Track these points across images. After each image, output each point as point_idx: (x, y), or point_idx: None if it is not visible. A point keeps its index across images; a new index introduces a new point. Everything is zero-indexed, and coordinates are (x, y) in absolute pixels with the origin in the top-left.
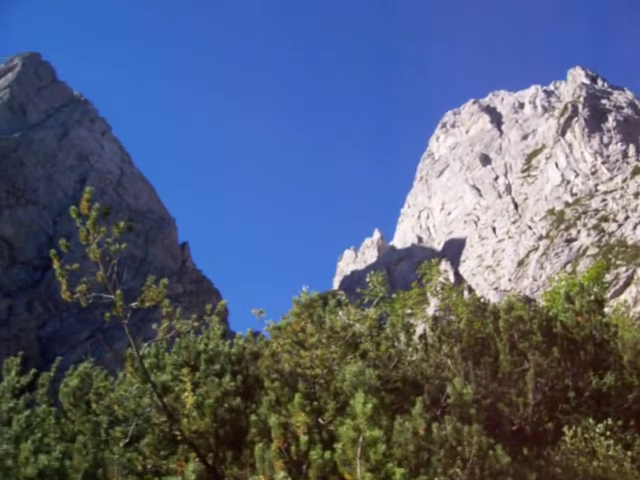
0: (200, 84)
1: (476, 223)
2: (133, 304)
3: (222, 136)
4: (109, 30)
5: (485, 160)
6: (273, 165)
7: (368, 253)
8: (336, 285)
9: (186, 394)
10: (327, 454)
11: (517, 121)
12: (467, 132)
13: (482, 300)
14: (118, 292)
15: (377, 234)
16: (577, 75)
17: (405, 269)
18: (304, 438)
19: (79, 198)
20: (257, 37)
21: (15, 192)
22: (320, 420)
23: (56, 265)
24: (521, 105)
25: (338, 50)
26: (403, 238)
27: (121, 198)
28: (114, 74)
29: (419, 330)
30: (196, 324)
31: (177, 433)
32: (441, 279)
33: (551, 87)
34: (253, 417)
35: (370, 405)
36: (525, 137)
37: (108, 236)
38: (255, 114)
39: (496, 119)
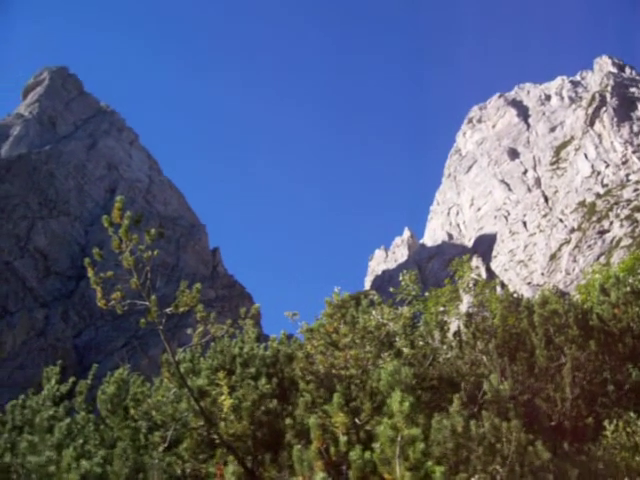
0: (226, 84)
1: (506, 218)
2: (167, 310)
3: (250, 138)
4: (133, 38)
5: (513, 154)
6: (301, 168)
7: (399, 252)
8: (368, 285)
9: (223, 397)
10: (367, 454)
11: (544, 113)
12: (494, 127)
13: (515, 295)
14: (152, 298)
15: (407, 232)
16: (604, 64)
17: (436, 267)
18: (343, 438)
19: (109, 208)
20: (290, 35)
21: (47, 204)
22: (357, 420)
23: (90, 273)
24: (547, 97)
25: (365, 50)
26: (433, 236)
27: (151, 206)
28: (140, 83)
29: (453, 327)
30: (231, 329)
31: (215, 437)
32: (473, 275)
33: (577, 77)
34: (289, 419)
35: (407, 403)
36: (553, 129)
37: (140, 243)
38: (282, 116)
39: (523, 112)
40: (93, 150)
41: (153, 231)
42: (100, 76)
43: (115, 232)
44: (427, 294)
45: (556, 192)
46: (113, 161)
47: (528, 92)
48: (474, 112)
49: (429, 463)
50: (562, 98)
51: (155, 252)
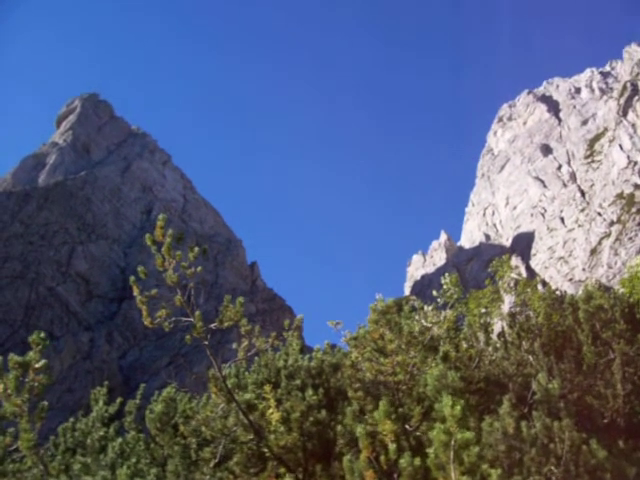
0: (253, 87)
1: (543, 215)
2: (212, 325)
3: (282, 145)
4: (157, 60)
5: (546, 150)
6: (334, 177)
7: (436, 256)
8: (407, 291)
9: (271, 410)
10: (417, 460)
11: (575, 107)
12: (525, 124)
13: (558, 292)
14: (197, 313)
15: (444, 236)
16: (634, 52)
17: (475, 268)
18: (392, 446)
19: (147, 229)
20: (325, 33)
21: (85, 229)
22: (407, 426)
23: (136, 292)
24: (577, 90)
25: (391, 58)
26: (470, 237)
27: (187, 225)
28: (168, 104)
29: (496, 328)
30: (277, 342)
31: (265, 450)
32: (513, 275)
33: (607, 68)
34: (339, 428)
35: (459, 407)
36: (585, 122)
37: (182, 261)
38: (312, 123)
39: (553, 107)
40: (127, 173)
41: (197, 249)
42: (129, 100)
43: (158, 250)
44: (468, 296)
45: (592, 186)
46: (147, 183)
47: (557, 86)
48: (504, 110)
49: (485, 466)
50: (592, 90)
51: (199, 268)
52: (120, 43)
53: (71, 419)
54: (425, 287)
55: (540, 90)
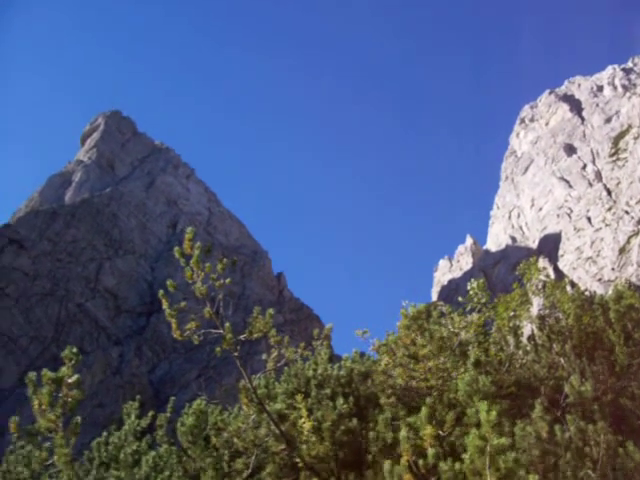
0: (273, 89)
1: (569, 215)
2: (242, 336)
3: (302, 151)
4: (176, 74)
5: (570, 150)
6: (358, 184)
7: (463, 260)
8: (435, 296)
9: (303, 420)
10: (456, 465)
11: (598, 105)
12: (547, 124)
13: (587, 293)
14: (227, 325)
15: (469, 240)
16: None
17: (502, 271)
18: (432, 451)
19: (173, 243)
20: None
21: (112, 244)
22: (440, 432)
23: (165, 305)
24: (600, 88)
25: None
26: (496, 240)
27: (212, 237)
28: (189, 119)
29: (526, 331)
30: (306, 352)
31: (297, 460)
32: (541, 277)
33: (629, 64)
34: (372, 434)
35: (494, 412)
36: (608, 120)
37: (210, 273)
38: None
39: (575, 106)
40: (152, 188)
41: (225, 260)
42: (151, 115)
43: (187, 263)
44: (496, 300)
45: (619, 184)
46: (172, 197)
47: (579, 85)
48: (525, 112)
49: (521, 472)
50: (615, 87)
51: (228, 280)
52: (140, 59)
53: (104, 433)
54: (452, 292)
55: (562, 89)
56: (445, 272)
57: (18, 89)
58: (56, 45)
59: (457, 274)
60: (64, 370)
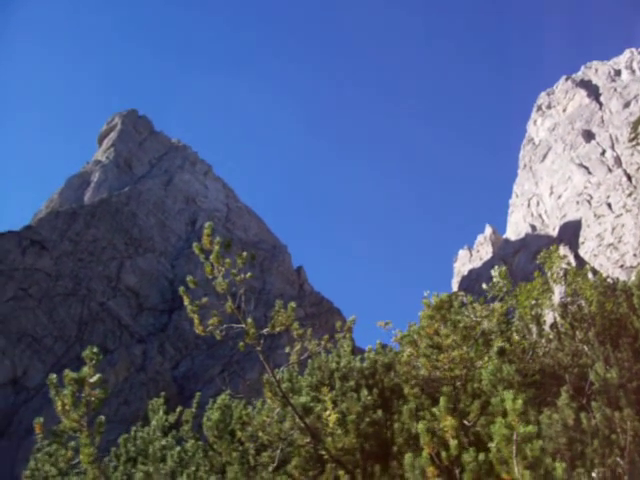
0: (292, 90)
1: (589, 202)
2: (264, 330)
3: (317, 144)
4: (190, 72)
5: (588, 136)
6: (376, 175)
7: (482, 250)
8: (455, 287)
9: (328, 412)
10: (480, 456)
11: (616, 90)
12: (564, 110)
13: (609, 280)
14: (250, 320)
15: (489, 229)
16: None
17: (523, 260)
18: (454, 442)
19: (192, 240)
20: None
21: (132, 243)
22: (465, 422)
23: (186, 301)
24: (617, 72)
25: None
26: (516, 229)
27: (231, 233)
28: (204, 116)
29: (548, 319)
30: (329, 345)
31: (323, 452)
32: (563, 265)
33: None
34: (397, 425)
35: (520, 401)
36: (627, 105)
37: (230, 268)
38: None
39: (593, 92)
40: (170, 186)
41: (245, 254)
42: (167, 113)
43: (206, 259)
44: (518, 289)
45: (639, 169)
46: (190, 194)
47: (596, 70)
48: (542, 98)
49: (548, 460)
50: (633, 71)
51: (249, 274)
52: (155, 57)
53: (132, 429)
54: (473, 282)
55: (578, 75)
56: (465, 262)
57: (35, 91)
58: (72, 47)
59: (477, 264)
60: (85, 370)
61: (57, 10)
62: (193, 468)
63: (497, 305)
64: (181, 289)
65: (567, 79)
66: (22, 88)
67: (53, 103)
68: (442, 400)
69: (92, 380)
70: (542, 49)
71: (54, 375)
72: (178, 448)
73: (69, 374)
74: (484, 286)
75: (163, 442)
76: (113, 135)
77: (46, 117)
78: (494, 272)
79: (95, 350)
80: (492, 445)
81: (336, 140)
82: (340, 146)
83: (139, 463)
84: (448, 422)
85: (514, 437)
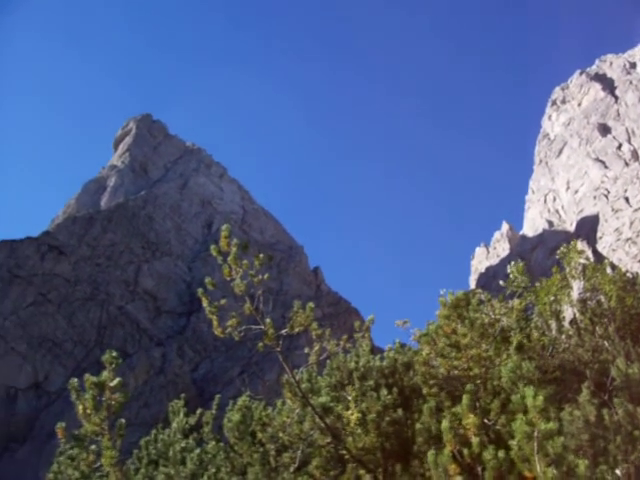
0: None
1: (606, 196)
2: (283, 331)
3: (333, 143)
4: (202, 75)
5: (604, 130)
6: (391, 173)
7: (499, 247)
8: (473, 284)
9: (351, 411)
10: (501, 453)
11: (631, 82)
12: (579, 105)
13: (629, 274)
14: (268, 321)
15: (505, 226)
16: None
17: (540, 256)
18: (476, 440)
19: (209, 242)
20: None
21: (149, 247)
22: (486, 420)
23: (205, 303)
24: (632, 65)
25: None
26: (533, 225)
27: (248, 235)
28: (218, 118)
29: (567, 315)
30: (348, 344)
31: (344, 452)
32: (581, 260)
33: None
34: (418, 425)
35: (541, 398)
36: None
37: (248, 270)
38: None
39: (608, 85)
40: (185, 189)
41: (262, 256)
42: (180, 117)
43: (224, 261)
44: (537, 284)
45: None
46: (206, 197)
47: (611, 63)
48: (556, 93)
49: (570, 457)
50: None
51: (266, 275)
52: (166, 61)
53: (152, 432)
54: (490, 279)
55: (593, 69)
56: (482, 259)
57: (52, 98)
58: (87, 50)
59: (494, 261)
60: (105, 374)
61: (72, 15)
62: (214, 470)
63: (516, 302)
64: (200, 291)
65: (581, 73)
66: (38, 95)
67: (68, 109)
68: (464, 398)
69: (112, 384)
70: (555, 44)
71: (75, 379)
72: (199, 450)
73: (90, 378)
74: (501, 283)
75: (183, 444)
76: (128, 140)
77: (61, 123)
78: (511, 268)
79: (115, 354)
80: (513, 443)
81: (350, 138)
82: (354, 145)
83: (160, 465)
84: (470, 420)
85: (535, 434)
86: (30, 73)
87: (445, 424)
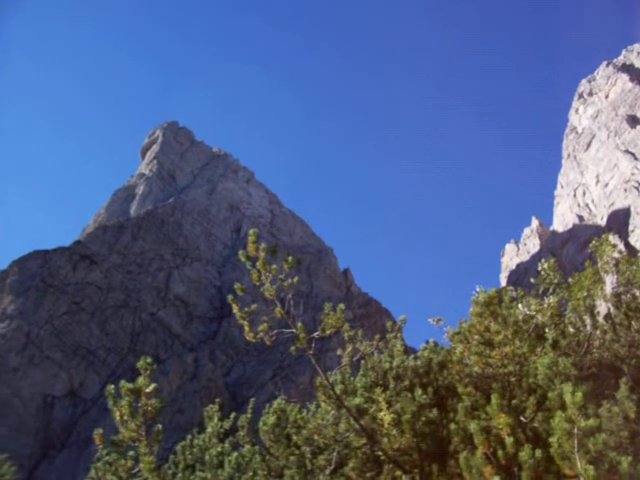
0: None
1: (637, 189)
2: (315, 334)
3: (356, 143)
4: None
5: (633, 121)
6: (420, 172)
7: (530, 243)
8: (504, 282)
9: (383, 412)
10: (537, 452)
11: None
12: (607, 97)
13: None
14: (300, 324)
15: (535, 222)
16: None
17: (572, 251)
18: (510, 439)
19: (238, 247)
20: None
21: (179, 253)
22: (521, 419)
23: (236, 309)
24: None
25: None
26: (563, 220)
27: (276, 239)
28: (243, 123)
29: (601, 310)
30: (381, 344)
31: (380, 453)
32: (615, 254)
33: None
34: (453, 426)
35: (580, 394)
36: None
37: (278, 274)
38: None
39: (636, 75)
40: (213, 195)
41: (291, 259)
42: (207, 123)
43: (253, 265)
44: (570, 280)
45: None
46: (234, 202)
47: (638, 53)
48: (583, 86)
49: (612, 454)
50: None
51: (295, 279)
52: (190, 68)
53: (188, 437)
54: (521, 276)
55: (619, 60)
56: (512, 256)
57: (80, 113)
58: (111, 61)
59: (525, 257)
60: (141, 380)
61: (91, 27)
62: (251, 473)
63: (551, 298)
64: (230, 297)
65: (608, 64)
66: (68, 111)
67: (96, 121)
68: (494, 397)
69: (148, 390)
70: (580, 36)
71: (112, 386)
72: (235, 454)
73: (125, 385)
74: (532, 280)
75: (219, 448)
76: (155, 148)
77: (90, 135)
78: (541, 265)
79: (149, 360)
80: (553, 440)
81: (376, 138)
82: (380, 143)
83: (197, 470)
84: (502, 419)
85: (575, 431)
86: (55, 90)
87: (475, 425)
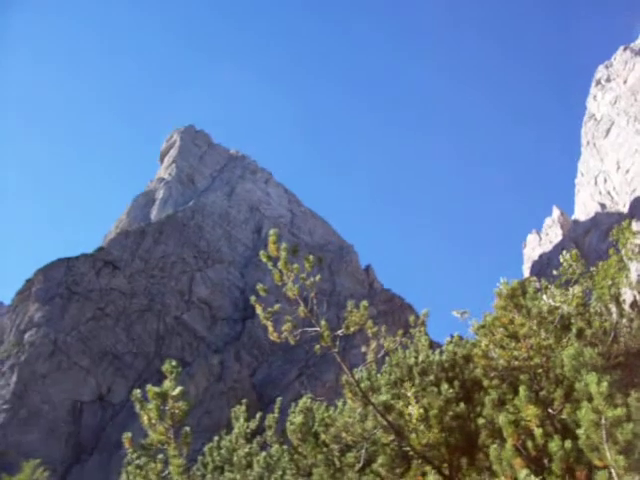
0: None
1: None
2: (339, 332)
3: (373, 136)
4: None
5: None
6: (439, 167)
7: (552, 233)
8: (527, 272)
9: (412, 407)
10: (567, 443)
11: None
12: (625, 82)
13: None
14: (323, 323)
15: (556, 211)
16: None
17: (594, 240)
18: (539, 431)
19: (259, 247)
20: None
21: (201, 255)
22: (549, 410)
23: (259, 310)
24: None
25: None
26: (584, 209)
27: (297, 238)
28: (259, 123)
29: (627, 298)
30: (405, 339)
31: (408, 449)
32: (637, 241)
33: None
34: (480, 419)
35: (605, 383)
36: None
37: (299, 273)
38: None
39: None
40: (233, 196)
41: (312, 258)
42: (222, 125)
43: (274, 265)
44: (593, 269)
45: None
46: (253, 203)
47: None
48: (600, 72)
49: None
50: None
51: (318, 277)
52: (207, 70)
53: (215, 438)
54: (545, 266)
55: (637, 44)
56: (535, 247)
57: (100, 120)
58: (130, 67)
59: (547, 247)
60: (167, 384)
61: (103, 35)
62: (280, 472)
63: (576, 288)
64: (252, 298)
65: (625, 49)
66: (86, 121)
67: (113, 128)
68: (521, 390)
69: (174, 393)
70: (595, 21)
71: (138, 390)
72: (264, 454)
73: (152, 389)
74: (555, 272)
75: (247, 449)
76: (173, 152)
77: (106, 142)
78: (563, 257)
79: (174, 363)
80: (580, 432)
81: (391, 132)
82: (397, 137)
83: (226, 471)
84: (530, 411)
85: (602, 422)
86: (65, 98)
87: (504, 418)
